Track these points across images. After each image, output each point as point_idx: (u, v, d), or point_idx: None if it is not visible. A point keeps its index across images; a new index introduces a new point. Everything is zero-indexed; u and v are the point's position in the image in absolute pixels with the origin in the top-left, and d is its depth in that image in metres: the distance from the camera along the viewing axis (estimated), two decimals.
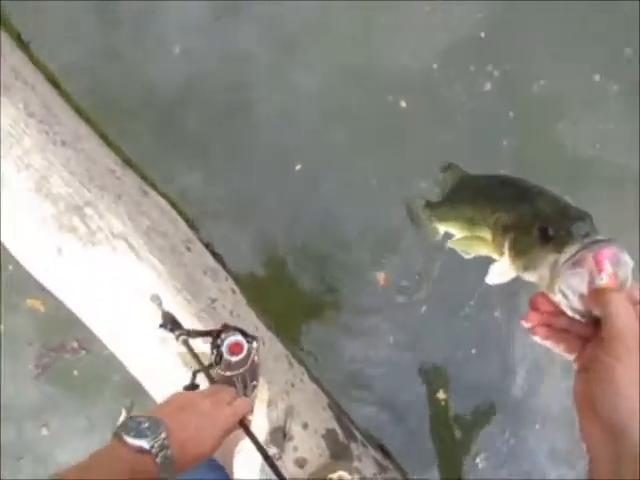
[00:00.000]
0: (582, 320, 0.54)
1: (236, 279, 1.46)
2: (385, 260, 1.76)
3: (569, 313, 0.54)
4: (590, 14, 1.80)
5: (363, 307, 1.77)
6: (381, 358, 1.75)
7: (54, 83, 1.44)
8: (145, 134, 1.72)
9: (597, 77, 1.80)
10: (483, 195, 0.72)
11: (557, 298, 0.53)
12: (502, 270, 0.64)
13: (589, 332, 0.55)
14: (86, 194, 1.27)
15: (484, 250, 0.68)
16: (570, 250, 0.53)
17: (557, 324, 0.57)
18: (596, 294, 0.52)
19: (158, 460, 0.60)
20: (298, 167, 1.77)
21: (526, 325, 0.57)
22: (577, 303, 0.53)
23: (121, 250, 1.26)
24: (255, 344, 1.08)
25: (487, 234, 0.66)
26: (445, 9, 1.82)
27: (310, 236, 1.76)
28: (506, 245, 0.61)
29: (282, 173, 1.77)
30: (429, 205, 0.93)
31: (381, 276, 1.75)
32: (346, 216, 1.76)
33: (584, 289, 0.52)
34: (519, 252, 0.59)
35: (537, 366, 1.76)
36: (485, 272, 0.66)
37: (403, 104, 1.80)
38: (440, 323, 1.73)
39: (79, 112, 1.43)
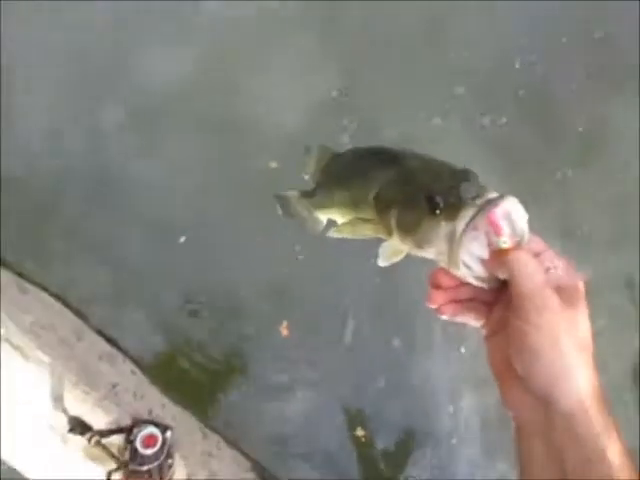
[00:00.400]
0: (488, 287, 0.51)
1: (135, 360, 1.43)
2: (285, 309, 1.80)
3: (475, 283, 0.51)
4: (419, 65, 2.05)
5: (271, 363, 1.79)
6: (298, 409, 1.77)
7: None
8: (15, 229, 1.66)
9: (438, 120, 2.03)
10: (357, 171, 0.64)
11: (461, 271, 0.50)
12: (393, 249, 0.58)
13: (494, 296, 0.53)
14: None
15: (371, 232, 0.61)
16: (464, 216, 0.48)
17: (462, 296, 0.55)
18: (497, 256, 0.49)
19: None
20: (182, 239, 1.80)
21: (431, 306, 0.54)
22: (481, 271, 0.50)
23: (6, 352, 1.20)
24: (169, 433, 1.08)
25: (371, 214, 0.59)
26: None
27: (207, 304, 1.78)
28: (393, 223, 0.54)
29: (167, 247, 1.78)
30: (304, 195, 0.83)
31: (283, 326, 1.79)
32: (238, 277, 1.80)
33: (485, 254, 0.49)
34: (409, 229, 0.52)
35: (444, 387, 1.87)
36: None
37: (274, 165, 1.91)
38: (344, 360, 1.79)
39: None
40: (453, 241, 0.49)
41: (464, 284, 0.53)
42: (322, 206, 0.76)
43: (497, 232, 0.48)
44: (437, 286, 0.54)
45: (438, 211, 0.50)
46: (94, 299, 1.59)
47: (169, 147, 1.85)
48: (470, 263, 0.49)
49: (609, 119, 1.93)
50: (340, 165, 0.72)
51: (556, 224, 1.83)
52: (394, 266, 0.59)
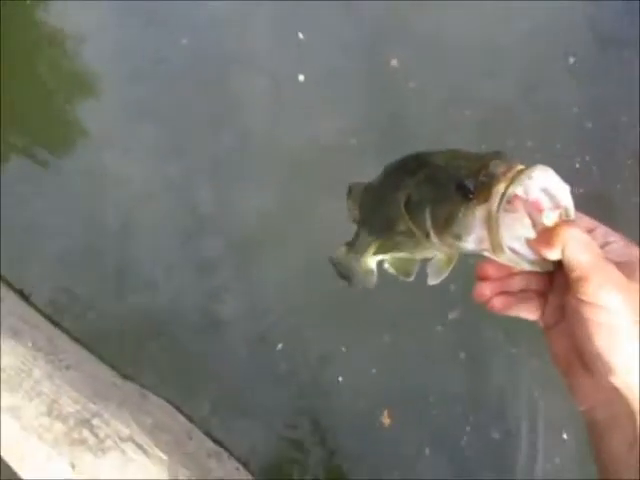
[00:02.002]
0: (543, 270, 0.47)
1: (239, 458, 1.54)
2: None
3: (527, 268, 0.46)
4: None
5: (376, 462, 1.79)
6: None
7: (53, 321, 1.67)
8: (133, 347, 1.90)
9: None
10: (385, 189, 0.60)
11: (506, 257, 0.45)
12: (438, 262, 0.54)
13: (546, 283, 0.50)
14: (92, 407, 1.41)
15: (417, 251, 0.56)
16: (497, 193, 0.44)
17: (513, 287, 0.50)
18: (547, 236, 0.44)
19: None
20: (279, 346, 1.95)
21: (481, 300, 0.50)
22: (530, 253, 0.45)
23: (130, 451, 1.37)
24: None
25: (408, 229, 0.54)
26: None
27: (306, 409, 1.86)
28: (428, 225, 0.50)
29: (266, 356, 1.93)
30: (349, 244, 0.76)
31: (385, 415, 1.79)
32: (332, 381, 1.89)
33: (530, 233, 0.45)
34: (445, 224, 0.48)
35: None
36: None
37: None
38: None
39: (77, 340, 1.64)
40: (490, 224, 0.44)
41: (514, 274, 0.50)
42: (367, 247, 0.69)
43: (536, 206, 0.44)
44: (484, 277, 0.50)
45: (470, 195, 0.45)
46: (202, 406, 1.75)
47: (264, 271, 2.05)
48: (515, 245, 0.45)
49: None
50: (370, 193, 0.66)
51: None
52: None
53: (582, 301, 0.43)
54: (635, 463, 0.43)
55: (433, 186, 0.50)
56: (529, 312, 0.50)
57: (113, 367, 1.64)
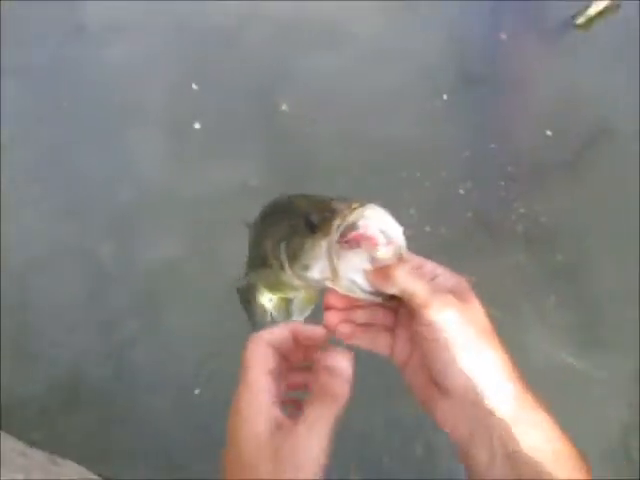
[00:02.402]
0: (382, 301, 0.51)
1: None
2: None
3: (363, 297, 0.50)
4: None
5: None
6: None
7: None
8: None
9: None
10: (257, 229, 0.64)
11: (345, 287, 0.49)
12: (301, 300, 0.58)
13: (392, 318, 0.53)
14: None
15: (285, 288, 0.60)
16: (335, 226, 0.48)
17: (358, 318, 0.53)
18: (383, 272, 0.49)
19: None
20: (197, 391, 1.89)
21: (328, 328, 0.52)
22: (366, 285, 0.50)
23: None
24: None
25: (273, 264, 0.57)
26: None
27: None
28: (283, 256, 0.54)
29: (184, 404, 1.86)
30: (240, 288, 0.78)
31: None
32: None
33: (366, 266, 0.50)
34: (294, 255, 0.52)
35: None
36: None
37: None
38: None
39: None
40: (330, 255, 0.48)
41: (358, 306, 0.53)
42: (254, 286, 0.71)
43: (372, 242, 0.49)
44: (329, 307, 0.53)
45: (315, 229, 0.50)
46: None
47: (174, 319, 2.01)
48: (355, 277, 0.49)
49: None
50: (251, 232, 0.70)
51: None
52: None
53: (425, 325, 0.47)
54: (498, 475, 0.45)
55: (289, 223, 0.54)
56: (380, 347, 0.53)
57: (20, 437, 1.52)
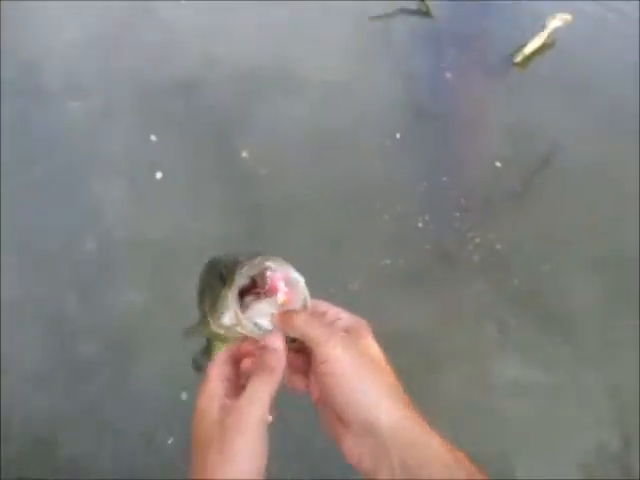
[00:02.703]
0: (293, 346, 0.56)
1: None
2: None
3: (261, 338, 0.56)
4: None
5: None
6: None
7: None
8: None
9: None
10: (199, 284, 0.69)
11: (249, 330, 0.55)
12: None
13: (304, 362, 0.57)
14: None
15: (226, 338, 0.64)
16: (239, 276, 0.55)
17: None
18: (286, 317, 0.55)
19: None
20: (170, 441, 1.86)
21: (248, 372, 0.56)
22: (271, 327, 0.56)
23: None
24: None
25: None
26: None
27: None
28: (206, 306, 0.60)
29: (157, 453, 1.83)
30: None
31: None
32: None
33: (273, 311, 0.56)
34: (212, 304, 0.58)
35: None
36: None
37: None
38: None
39: None
40: (233, 304, 0.55)
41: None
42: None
43: (275, 291, 0.55)
44: (244, 355, 0.59)
45: (224, 281, 0.56)
46: None
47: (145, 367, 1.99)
48: (259, 321, 0.56)
49: None
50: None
51: None
52: None
53: (321, 362, 0.52)
54: None
55: (212, 277, 0.60)
56: (297, 386, 0.58)
57: None
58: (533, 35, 2.76)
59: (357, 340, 0.55)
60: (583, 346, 1.97)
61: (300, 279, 0.57)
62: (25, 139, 2.42)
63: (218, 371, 0.56)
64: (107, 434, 1.84)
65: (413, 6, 2.97)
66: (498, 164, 2.37)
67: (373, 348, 0.56)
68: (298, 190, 2.31)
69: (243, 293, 0.57)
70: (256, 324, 0.56)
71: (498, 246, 2.11)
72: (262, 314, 0.56)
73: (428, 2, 2.92)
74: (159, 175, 2.37)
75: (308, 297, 0.58)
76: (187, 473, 0.54)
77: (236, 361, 0.58)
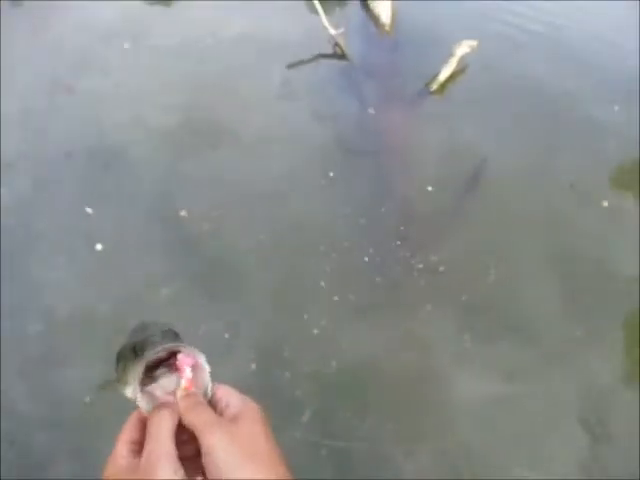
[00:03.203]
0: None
1: None
2: None
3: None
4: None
5: None
6: None
7: None
8: None
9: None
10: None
11: (144, 408, 0.59)
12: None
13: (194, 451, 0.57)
14: None
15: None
16: (147, 358, 0.59)
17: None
18: (183, 404, 0.57)
19: None
20: None
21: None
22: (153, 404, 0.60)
23: None
24: None
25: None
26: None
27: None
28: (119, 372, 0.64)
29: None
30: None
31: None
32: None
33: (170, 388, 0.60)
34: (122, 372, 0.63)
35: None
36: None
37: None
38: None
39: None
40: (136, 384, 0.60)
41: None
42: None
43: (180, 372, 0.60)
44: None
45: (137, 355, 0.61)
46: None
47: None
48: (156, 394, 0.61)
49: None
50: None
51: None
52: None
53: (204, 450, 0.53)
54: None
55: (127, 347, 0.64)
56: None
57: None
58: (443, 63, 2.93)
59: (233, 427, 0.55)
60: (543, 350, 2.03)
61: (206, 368, 0.61)
62: None
63: (125, 436, 0.58)
64: None
65: (329, 50, 3.10)
66: (430, 188, 2.46)
67: (258, 437, 0.55)
68: (243, 241, 2.32)
69: (159, 362, 0.61)
70: (149, 402, 0.60)
71: (441, 268, 2.18)
72: (165, 389, 0.60)
73: (342, 46, 3.05)
74: (99, 247, 2.34)
75: (210, 387, 0.60)
76: None
77: (143, 424, 0.59)
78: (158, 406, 0.59)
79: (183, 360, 0.60)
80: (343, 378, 1.91)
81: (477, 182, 2.53)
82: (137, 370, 0.59)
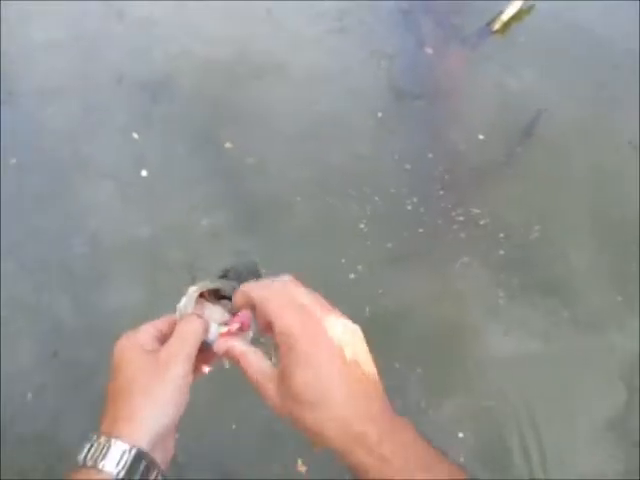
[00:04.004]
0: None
1: None
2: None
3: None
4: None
5: None
6: None
7: None
8: None
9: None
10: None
11: (177, 312, 0.61)
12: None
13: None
14: None
15: None
16: (215, 282, 0.64)
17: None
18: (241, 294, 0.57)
19: None
20: None
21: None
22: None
23: None
24: None
25: None
26: None
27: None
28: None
29: None
30: None
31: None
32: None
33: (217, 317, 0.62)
34: (197, 282, 0.66)
35: None
36: None
37: None
38: None
39: None
40: (187, 299, 0.62)
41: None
42: None
43: (230, 321, 0.61)
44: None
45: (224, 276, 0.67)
46: None
47: None
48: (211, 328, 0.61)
49: None
50: None
51: None
52: None
53: (280, 334, 0.50)
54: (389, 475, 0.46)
55: (224, 270, 0.68)
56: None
57: None
58: (508, 1, 2.73)
59: (322, 315, 0.52)
60: (581, 312, 1.98)
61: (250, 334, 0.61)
62: (6, 146, 2.42)
63: (156, 323, 0.59)
64: None
65: None
66: (481, 136, 2.37)
67: (338, 326, 0.52)
68: (286, 177, 2.31)
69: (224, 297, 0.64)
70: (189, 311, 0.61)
71: (482, 221, 2.13)
72: (211, 315, 0.62)
73: None
74: (144, 173, 2.37)
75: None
76: None
77: (174, 327, 0.59)
78: (196, 315, 0.60)
79: (243, 316, 0.59)
80: (375, 325, 1.92)
81: (531, 134, 2.42)
82: (205, 285, 0.62)
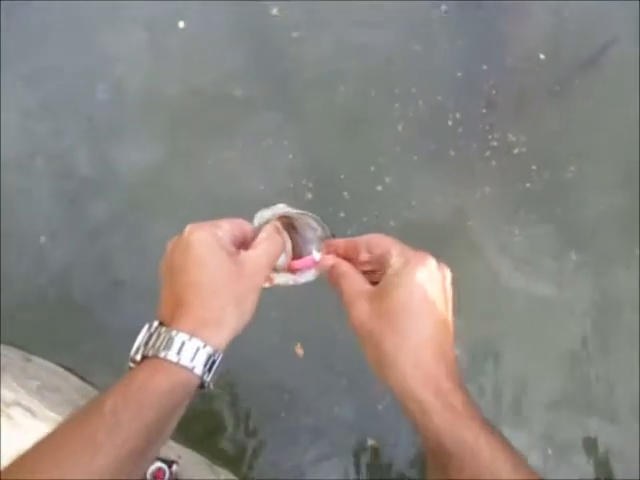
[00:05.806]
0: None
1: None
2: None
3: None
4: None
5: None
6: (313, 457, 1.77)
7: None
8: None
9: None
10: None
11: (255, 222, 0.63)
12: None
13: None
14: None
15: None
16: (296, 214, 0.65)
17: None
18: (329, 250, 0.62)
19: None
20: None
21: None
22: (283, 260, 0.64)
23: (17, 415, 1.38)
24: (175, 467, 1.23)
25: None
26: None
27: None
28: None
29: None
30: None
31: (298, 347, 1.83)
32: None
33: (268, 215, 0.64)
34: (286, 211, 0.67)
35: None
36: None
37: None
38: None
39: None
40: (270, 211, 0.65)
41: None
42: None
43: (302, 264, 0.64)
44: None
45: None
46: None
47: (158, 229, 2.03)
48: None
49: None
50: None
51: None
52: None
53: (395, 276, 0.54)
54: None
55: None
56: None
57: None
58: None
59: (436, 264, 0.56)
60: (598, 261, 1.93)
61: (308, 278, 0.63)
62: None
63: (231, 228, 0.57)
64: (114, 291, 1.93)
65: None
66: (542, 56, 2.19)
67: (444, 277, 0.57)
68: (330, 60, 2.16)
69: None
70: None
71: (516, 150, 2.04)
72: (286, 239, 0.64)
73: None
74: (182, 24, 2.22)
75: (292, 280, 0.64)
76: None
77: (244, 235, 0.60)
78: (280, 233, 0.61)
79: (322, 261, 0.61)
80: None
81: (596, 62, 2.23)
82: (290, 211, 0.63)
